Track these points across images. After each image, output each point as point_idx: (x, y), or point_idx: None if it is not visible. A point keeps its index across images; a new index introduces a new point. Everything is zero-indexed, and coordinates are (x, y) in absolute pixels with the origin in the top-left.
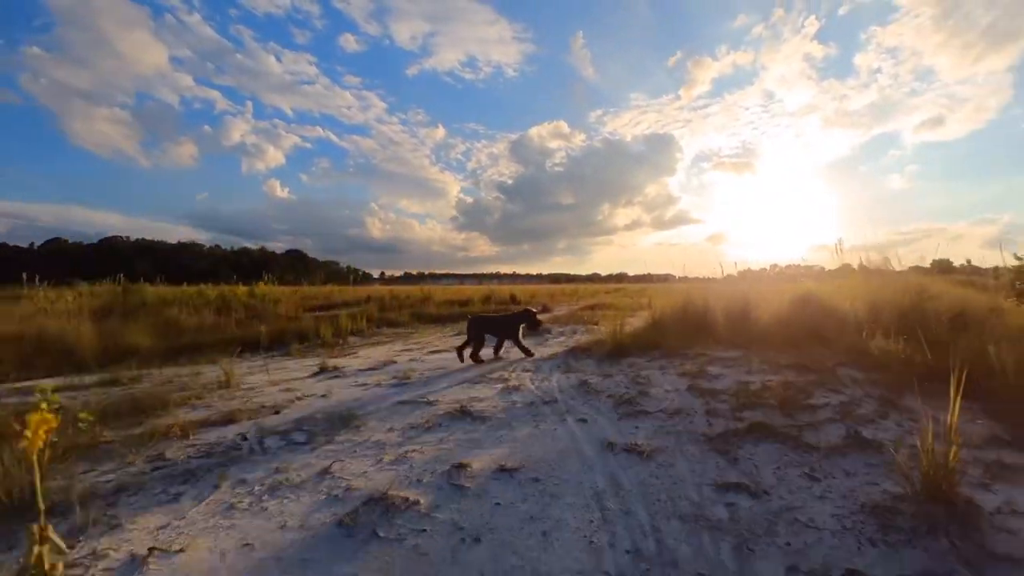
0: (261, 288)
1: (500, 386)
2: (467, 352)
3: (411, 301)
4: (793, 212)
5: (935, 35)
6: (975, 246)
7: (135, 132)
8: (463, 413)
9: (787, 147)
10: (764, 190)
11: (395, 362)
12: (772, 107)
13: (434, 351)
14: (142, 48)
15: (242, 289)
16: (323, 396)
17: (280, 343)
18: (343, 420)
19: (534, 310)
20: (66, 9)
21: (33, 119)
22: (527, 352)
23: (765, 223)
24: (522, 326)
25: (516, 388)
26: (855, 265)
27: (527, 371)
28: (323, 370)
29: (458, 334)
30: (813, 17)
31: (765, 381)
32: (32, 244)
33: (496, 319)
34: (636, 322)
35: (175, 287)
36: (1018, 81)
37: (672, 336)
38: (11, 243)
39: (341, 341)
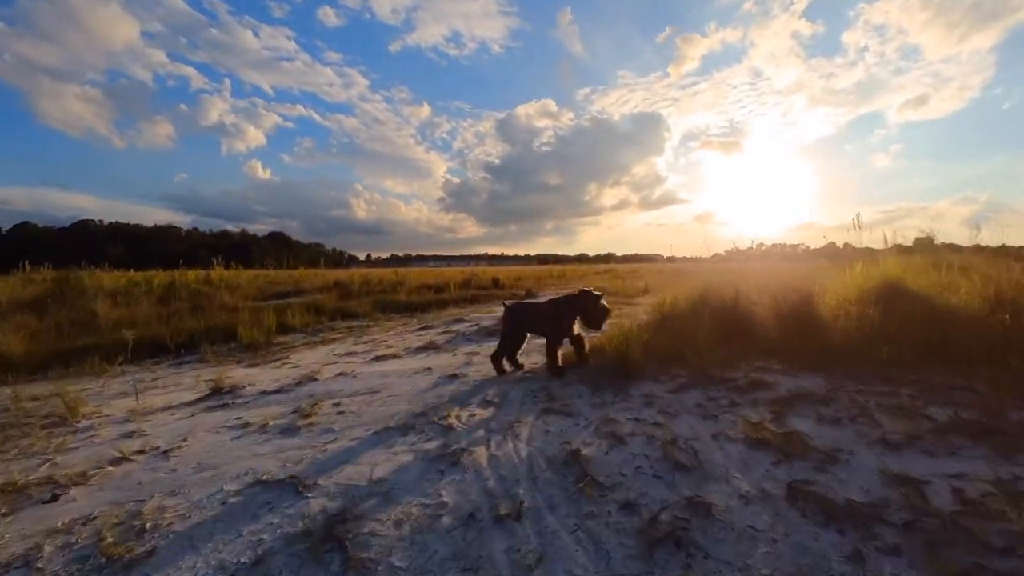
0: (217, 273)
1: (435, 445)
2: (504, 359)
3: (382, 287)
4: (779, 191)
5: (921, 13)
6: (955, 224)
7: (107, 111)
8: (331, 543)
9: (774, 125)
10: (751, 169)
11: (316, 378)
12: (760, 85)
13: (382, 356)
14: (112, 22)
15: (193, 275)
16: (164, 453)
17: (209, 340)
18: (122, 541)
19: (596, 292)
20: None
21: None
22: (555, 369)
23: (752, 202)
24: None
25: (456, 458)
26: (840, 244)
27: (488, 406)
28: (215, 391)
29: (423, 328)
30: None
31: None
32: (0, 229)
33: (543, 309)
34: (637, 314)
35: (126, 273)
36: (1001, 60)
37: (695, 342)
38: None
39: (272, 341)
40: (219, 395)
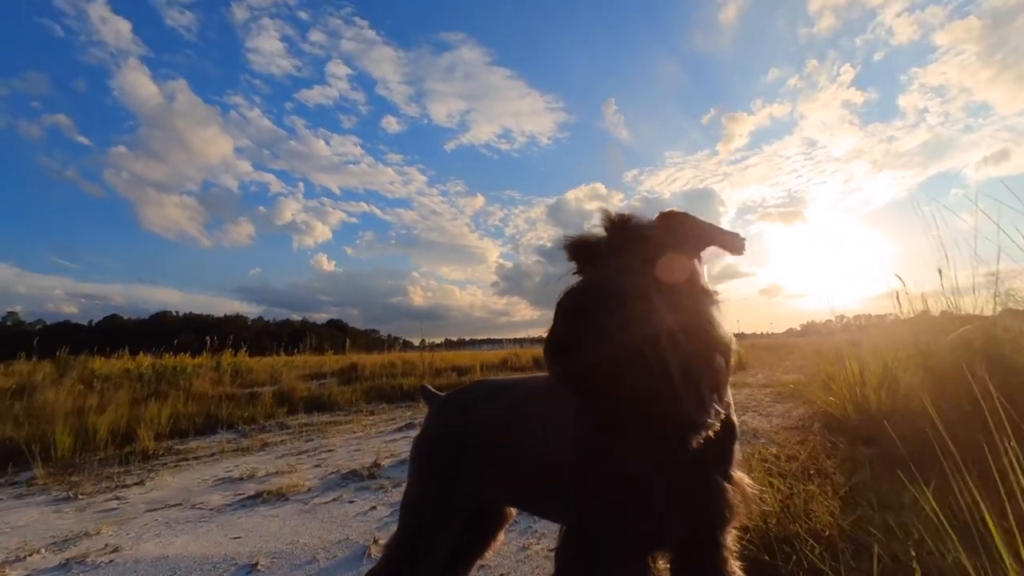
0: (228, 359)
1: None
2: None
3: (397, 370)
4: (851, 260)
5: (983, 71)
6: None
7: (199, 216)
8: None
9: (836, 192)
10: (817, 239)
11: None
12: (815, 154)
13: (258, 497)
14: (211, 141)
15: (192, 360)
16: None
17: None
18: None
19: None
20: (150, 112)
21: (112, 209)
22: None
23: (823, 273)
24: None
25: None
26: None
27: None
28: None
29: (404, 426)
30: (848, 65)
31: None
32: (91, 321)
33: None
34: (763, 405)
35: (133, 359)
36: None
37: None
38: (74, 321)
39: (146, 452)
40: None
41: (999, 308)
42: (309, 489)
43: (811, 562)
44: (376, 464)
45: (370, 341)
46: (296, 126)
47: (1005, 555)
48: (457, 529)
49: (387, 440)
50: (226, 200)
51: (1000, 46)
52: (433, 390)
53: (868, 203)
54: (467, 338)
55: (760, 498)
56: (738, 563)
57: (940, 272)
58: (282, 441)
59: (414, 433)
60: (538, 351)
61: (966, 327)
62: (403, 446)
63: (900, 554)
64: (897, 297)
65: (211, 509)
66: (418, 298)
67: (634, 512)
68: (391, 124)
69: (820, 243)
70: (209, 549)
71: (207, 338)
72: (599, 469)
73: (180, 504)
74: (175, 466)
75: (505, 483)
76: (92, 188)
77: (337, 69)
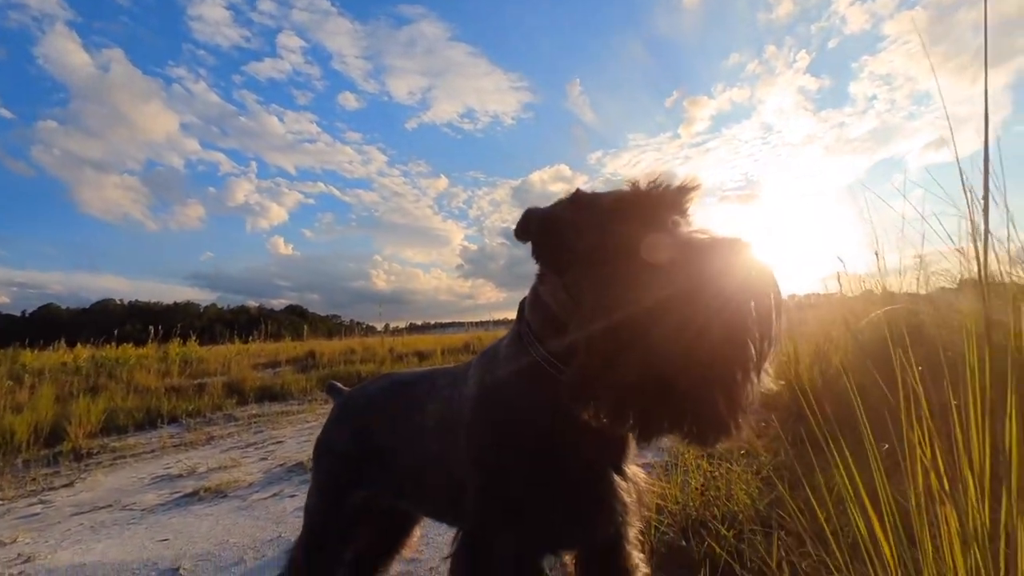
0: (176, 349)
1: None
2: None
3: (356, 356)
4: (802, 243)
5: (926, 60)
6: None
7: (143, 197)
8: None
9: (790, 176)
10: (770, 222)
11: None
12: (771, 138)
13: (195, 495)
14: (154, 117)
15: (136, 351)
16: None
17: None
18: None
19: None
20: (84, 85)
21: (43, 189)
22: None
23: (777, 254)
24: None
25: None
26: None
27: None
28: None
29: None
30: (804, 51)
31: None
32: (24, 312)
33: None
34: None
35: (71, 351)
36: (1017, 98)
37: None
38: (5, 312)
39: (75, 450)
40: None
41: (930, 288)
42: (250, 484)
43: (722, 545)
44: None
45: (331, 327)
46: (246, 101)
47: (896, 528)
48: (360, 534)
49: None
50: (172, 180)
51: (943, 37)
52: (340, 386)
53: (820, 187)
54: (432, 322)
55: (684, 480)
56: (640, 555)
57: (876, 255)
58: (229, 434)
59: None
60: (502, 334)
61: (892, 306)
62: None
63: (804, 532)
64: (838, 278)
65: (143, 510)
66: (381, 282)
67: (531, 517)
68: (349, 101)
69: (774, 225)
70: (131, 554)
71: (152, 327)
72: (497, 473)
73: (110, 506)
74: (110, 465)
75: (405, 487)
76: (17, 166)
77: (289, 41)
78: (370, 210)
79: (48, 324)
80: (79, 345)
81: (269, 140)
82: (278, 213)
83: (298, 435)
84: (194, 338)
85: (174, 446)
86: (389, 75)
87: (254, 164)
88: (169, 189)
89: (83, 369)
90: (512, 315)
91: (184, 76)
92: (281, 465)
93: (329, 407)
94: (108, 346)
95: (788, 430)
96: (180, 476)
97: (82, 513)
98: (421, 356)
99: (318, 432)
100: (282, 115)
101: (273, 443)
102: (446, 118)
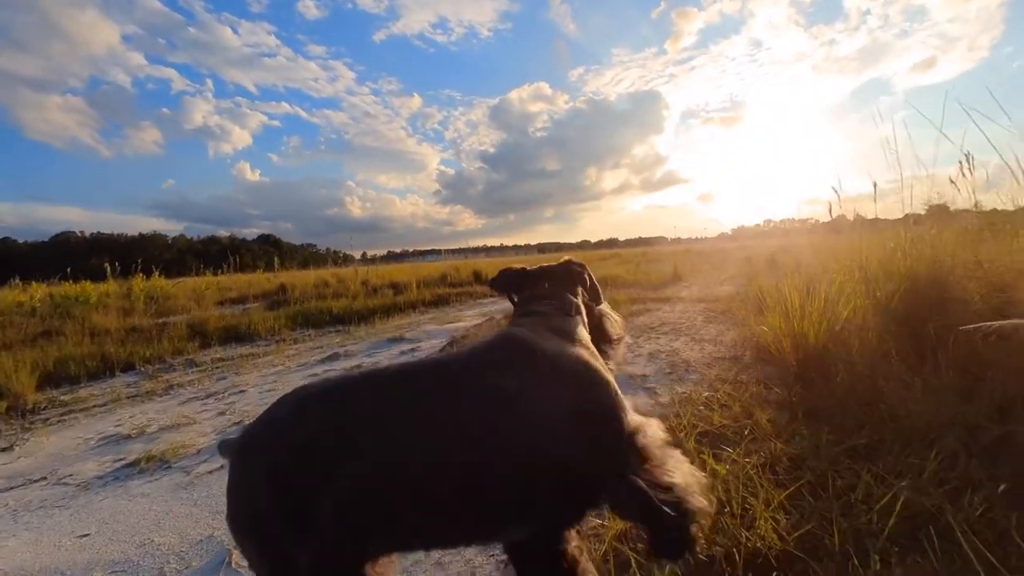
0: (139, 284)
1: None
2: None
3: (330, 290)
4: (784, 166)
5: None
6: (966, 191)
7: (91, 120)
8: None
9: (777, 97)
10: (754, 144)
11: None
12: (760, 56)
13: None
14: (91, 28)
15: (99, 287)
16: None
17: None
18: None
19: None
20: None
21: None
22: None
23: (756, 178)
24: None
25: None
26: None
27: None
28: None
29: (328, 358)
30: None
31: None
32: None
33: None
34: (697, 325)
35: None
36: (1010, 16)
37: None
38: None
39: (28, 404)
40: None
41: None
42: (199, 450)
43: None
44: None
45: (307, 256)
46: (194, 9)
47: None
48: None
49: (308, 374)
50: (120, 100)
51: None
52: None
53: (805, 108)
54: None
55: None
56: None
57: (875, 185)
58: (191, 381)
59: (340, 365)
60: (481, 265)
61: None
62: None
63: None
64: (829, 208)
65: (77, 485)
66: (356, 209)
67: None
68: (309, 8)
69: (756, 149)
70: (41, 557)
71: (115, 262)
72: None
73: (45, 479)
74: (58, 422)
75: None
76: None
77: None
78: (339, 132)
79: (4, 259)
80: (34, 283)
81: (224, 54)
82: (241, 136)
83: (262, 382)
84: (158, 272)
85: (129, 398)
86: None
87: (210, 82)
88: (117, 110)
89: (38, 310)
90: (491, 242)
91: None
92: (239, 422)
93: (297, 348)
94: (66, 283)
95: (795, 396)
96: (128, 437)
97: (13, 488)
98: (397, 289)
99: (283, 378)
100: (236, 25)
101: (235, 392)
102: (417, 28)
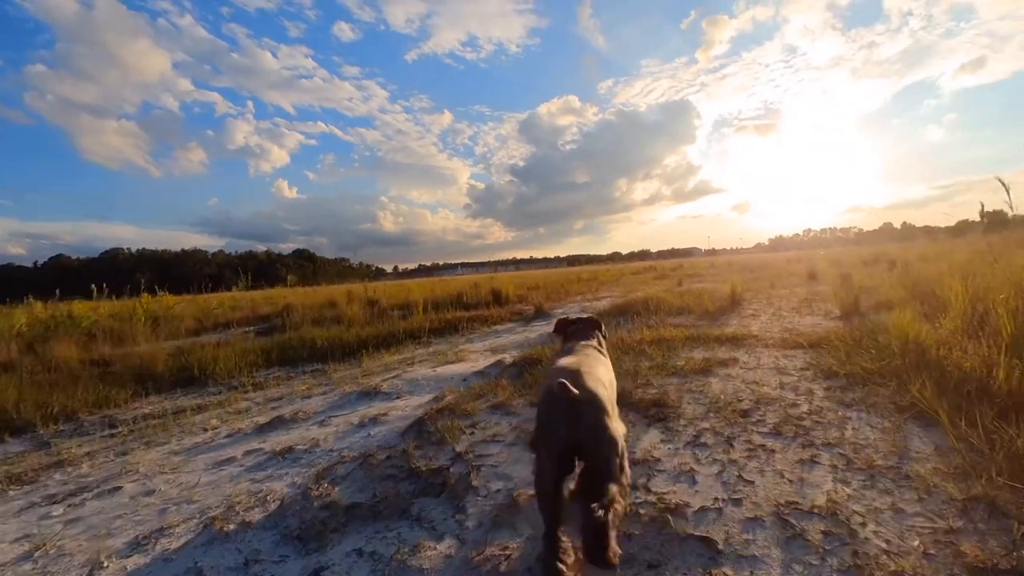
0: (146, 303)
1: None
2: None
3: (333, 314)
4: (823, 173)
5: None
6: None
7: (143, 142)
8: None
9: (813, 103)
10: (791, 152)
11: None
12: (795, 62)
13: None
14: (144, 56)
15: (102, 308)
16: None
17: None
18: None
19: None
20: (68, 24)
21: (45, 138)
22: None
23: (793, 187)
24: None
25: None
26: (897, 225)
27: None
28: None
29: (268, 422)
30: None
31: None
32: (35, 263)
33: None
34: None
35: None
36: None
37: None
38: (17, 263)
39: None
40: None
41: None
42: None
43: None
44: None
45: (340, 270)
46: (236, 36)
47: None
48: None
49: (229, 455)
50: (169, 123)
51: None
52: None
53: (843, 115)
54: (441, 262)
55: None
56: None
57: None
58: (83, 457)
59: (275, 439)
60: (503, 281)
61: None
62: (262, 483)
63: None
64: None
65: None
66: (388, 223)
67: None
68: (344, 31)
69: (792, 157)
70: None
71: (153, 278)
72: None
73: None
74: None
75: None
76: (14, 114)
77: None
78: (373, 149)
79: (61, 275)
80: (38, 302)
81: (264, 77)
82: (279, 155)
83: (152, 472)
84: (166, 288)
85: None
86: (385, 0)
87: (251, 104)
88: (168, 132)
89: (24, 335)
90: (521, 255)
91: (168, 9)
92: None
93: (251, 399)
94: (62, 303)
95: None
96: None
97: None
98: (405, 310)
99: (188, 464)
100: (275, 49)
101: (100, 495)
102: (447, 47)
